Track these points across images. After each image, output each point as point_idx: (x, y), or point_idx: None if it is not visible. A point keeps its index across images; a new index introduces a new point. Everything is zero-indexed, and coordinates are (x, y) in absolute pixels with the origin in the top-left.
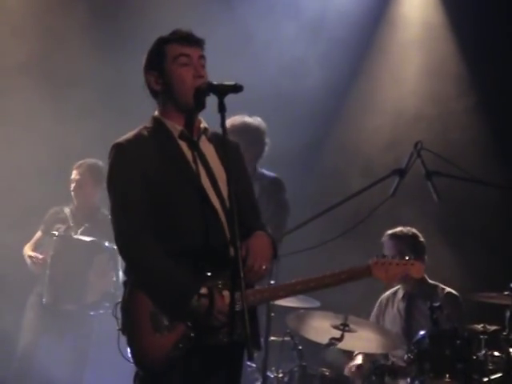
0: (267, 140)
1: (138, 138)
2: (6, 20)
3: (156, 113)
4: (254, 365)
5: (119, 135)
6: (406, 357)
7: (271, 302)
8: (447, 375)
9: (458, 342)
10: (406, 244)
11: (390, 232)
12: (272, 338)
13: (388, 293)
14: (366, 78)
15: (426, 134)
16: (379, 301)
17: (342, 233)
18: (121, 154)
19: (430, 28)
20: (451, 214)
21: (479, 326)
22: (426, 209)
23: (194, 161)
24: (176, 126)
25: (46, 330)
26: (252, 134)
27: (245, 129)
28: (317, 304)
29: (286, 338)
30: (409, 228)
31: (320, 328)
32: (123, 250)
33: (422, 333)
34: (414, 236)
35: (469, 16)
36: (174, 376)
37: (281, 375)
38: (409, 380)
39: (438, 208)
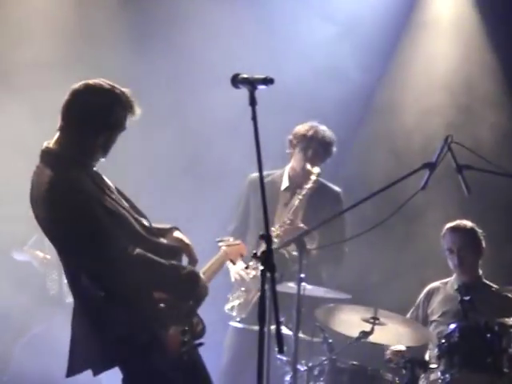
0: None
1: None
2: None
3: None
4: (284, 358)
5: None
6: (436, 350)
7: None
8: (477, 369)
9: (489, 335)
10: (467, 237)
11: (450, 225)
12: (301, 335)
13: (438, 282)
14: (397, 72)
15: (456, 128)
16: (427, 289)
17: (373, 226)
18: None
19: (461, 24)
20: (480, 208)
21: (510, 320)
22: (455, 202)
23: None
24: None
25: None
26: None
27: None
28: (347, 297)
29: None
30: (466, 221)
31: (350, 321)
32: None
33: (452, 326)
34: (473, 229)
35: (499, 10)
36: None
37: (311, 368)
38: (439, 374)
39: (468, 201)
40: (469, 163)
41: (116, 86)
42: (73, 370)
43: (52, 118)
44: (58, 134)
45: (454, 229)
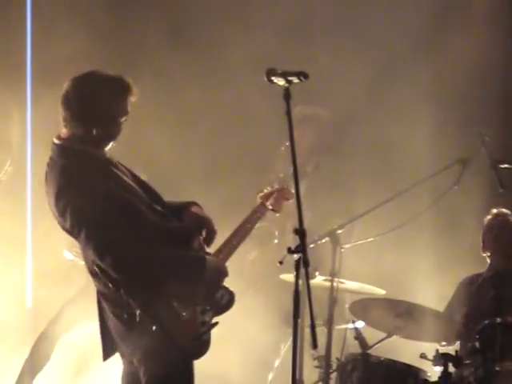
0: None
1: None
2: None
3: None
4: (317, 353)
5: None
6: (469, 345)
7: (334, 291)
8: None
9: None
10: (506, 223)
11: (491, 212)
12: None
13: (472, 275)
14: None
15: (490, 124)
16: (461, 281)
17: (406, 221)
18: None
19: None
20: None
21: None
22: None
23: None
24: None
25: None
26: (323, 126)
27: (316, 119)
28: (381, 292)
29: (350, 326)
30: (505, 210)
31: (383, 316)
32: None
33: (486, 321)
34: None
35: None
36: None
37: (344, 364)
38: (472, 369)
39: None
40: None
41: (111, 73)
42: (107, 353)
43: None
44: (64, 126)
45: (494, 215)
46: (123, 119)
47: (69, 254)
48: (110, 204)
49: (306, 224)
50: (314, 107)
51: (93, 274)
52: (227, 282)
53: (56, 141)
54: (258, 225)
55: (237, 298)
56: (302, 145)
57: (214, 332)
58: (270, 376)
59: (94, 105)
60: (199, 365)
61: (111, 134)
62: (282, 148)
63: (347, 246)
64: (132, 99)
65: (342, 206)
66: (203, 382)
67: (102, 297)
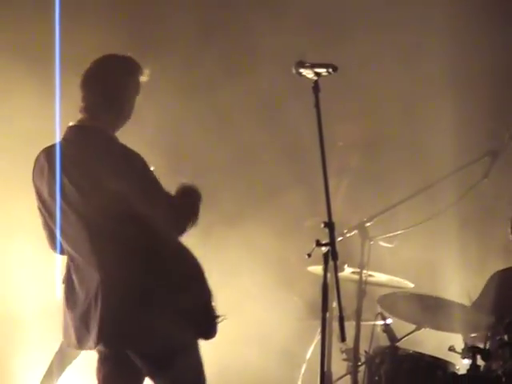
0: None
1: None
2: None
3: None
4: (345, 346)
5: None
6: (498, 338)
7: (363, 284)
8: None
9: None
10: None
11: None
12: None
13: (503, 268)
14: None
15: None
16: (492, 275)
17: (436, 213)
18: None
19: None
20: None
21: None
22: None
23: None
24: None
25: None
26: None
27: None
28: (410, 285)
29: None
30: None
31: (412, 309)
32: None
33: None
34: None
35: None
36: None
37: (372, 357)
38: (501, 362)
39: None
40: None
41: (119, 54)
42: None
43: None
44: (82, 110)
45: None
46: (135, 98)
47: None
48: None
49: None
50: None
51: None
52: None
53: (77, 123)
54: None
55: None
56: (348, 140)
57: (245, 325)
58: (303, 368)
59: (114, 83)
60: (230, 358)
61: (128, 114)
62: (340, 143)
63: (376, 238)
64: (143, 79)
65: (373, 199)
66: (235, 376)
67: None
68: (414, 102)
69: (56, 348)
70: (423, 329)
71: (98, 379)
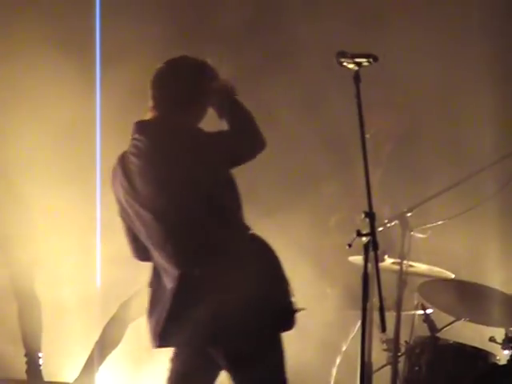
0: None
1: None
2: None
3: None
4: (386, 336)
5: None
6: None
7: (403, 274)
8: None
9: None
10: None
11: None
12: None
13: None
14: None
15: None
16: None
17: (476, 204)
18: None
19: None
20: None
21: None
22: None
23: None
24: None
25: None
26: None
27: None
28: (450, 276)
29: (418, 310)
30: None
31: (452, 299)
32: None
33: None
34: None
35: None
36: None
37: (412, 347)
38: None
39: None
40: None
41: (198, 58)
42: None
43: None
44: (152, 108)
45: None
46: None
47: None
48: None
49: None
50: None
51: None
52: None
53: (146, 120)
54: None
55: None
56: (381, 130)
57: None
58: (338, 360)
59: (189, 86)
60: None
61: (200, 117)
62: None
63: (417, 228)
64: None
65: (413, 190)
66: None
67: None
68: (453, 92)
69: (96, 337)
70: (463, 319)
71: (171, 370)
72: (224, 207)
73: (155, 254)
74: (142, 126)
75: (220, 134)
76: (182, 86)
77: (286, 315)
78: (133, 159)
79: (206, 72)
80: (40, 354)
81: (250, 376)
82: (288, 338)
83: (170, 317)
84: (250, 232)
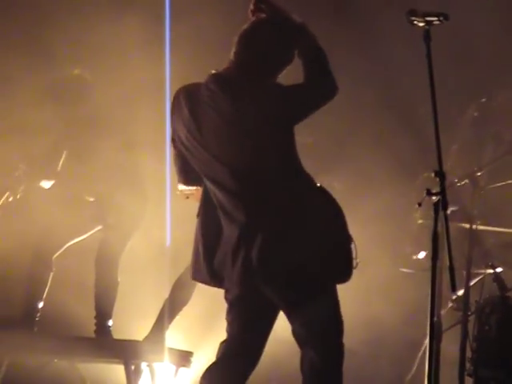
0: None
1: None
2: None
3: None
4: (455, 296)
5: None
6: None
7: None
8: None
9: None
10: None
11: None
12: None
13: None
14: None
15: None
16: None
17: None
18: None
19: None
20: None
21: None
22: None
23: None
24: None
25: None
26: None
27: None
28: None
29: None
30: None
31: None
32: None
33: None
34: None
35: None
36: None
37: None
38: None
39: None
40: None
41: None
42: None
43: None
44: (231, 64)
45: None
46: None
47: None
48: None
49: None
50: None
51: None
52: None
53: (228, 74)
54: None
55: None
56: None
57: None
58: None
59: (276, 48)
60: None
61: (279, 73)
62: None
63: (487, 187)
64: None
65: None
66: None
67: None
68: None
69: (166, 295)
70: None
71: (229, 319)
72: (292, 157)
73: (215, 190)
74: (218, 78)
75: (298, 86)
76: (266, 48)
77: (343, 265)
78: (205, 107)
79: (290, 31)
80: (110, 322)
81: (307, 317)
82: (376, 297)
83: (235, 261)
84: (317, 184)
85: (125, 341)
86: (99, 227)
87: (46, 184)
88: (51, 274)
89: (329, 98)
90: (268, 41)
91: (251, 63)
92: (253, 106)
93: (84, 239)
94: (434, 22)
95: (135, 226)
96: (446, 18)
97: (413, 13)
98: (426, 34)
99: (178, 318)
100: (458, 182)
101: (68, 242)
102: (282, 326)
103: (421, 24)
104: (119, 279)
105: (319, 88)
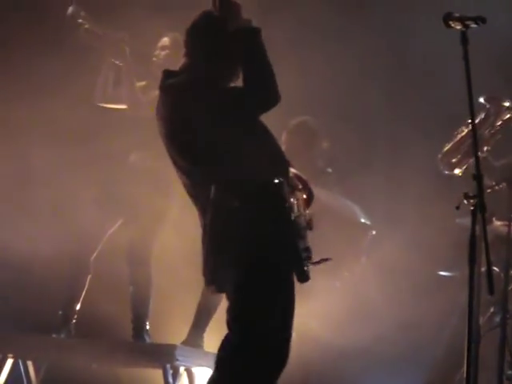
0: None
1: None
2: None
3: None
4: (494, 299)
5: None
6: None
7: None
8: None
9: None
10: None
11: None
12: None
13: None
14: None
15: None
16: None
17: None
18: None
19: None
20: None
21: None
22: None
23: None
24: None
25: None
26: None
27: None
28: None
29: None
30: None
31: None
32: None
33: None
34: None
35: None
36: None
37: None
38: None
39: None
40: None
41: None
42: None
43: None
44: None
45: None
46: None
47: None
48: None
49: None
50: None
51: None
52: None
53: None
54: None
55: None
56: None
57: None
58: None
59: (219, 38)
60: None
61: (237, 74)
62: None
63: None
64: None
65: None
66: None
67: None
68: None
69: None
70: None
71: None
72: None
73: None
74: (167, 75)
75: (235, 89)
76: (212, 37)
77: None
78: (159, 107)
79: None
80: (147, 324)
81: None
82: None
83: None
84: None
85: (163, 345)
86: (120, 221)
87: None
88: (89, 276)
89: (264, 108)
90: (210, 34)
91: (197, 53)
92: (187, 107)
93: (118, 241)
94: (471, 26)
95: (155, 220)
96: (484, 21)
97: (449, 16)
98: (463, 37)
99: (214, 320)
100: (495, 185)
101: (101, 241)
102: None
103: (458, 27)
104: (153, 279)
105: (255, 97)
